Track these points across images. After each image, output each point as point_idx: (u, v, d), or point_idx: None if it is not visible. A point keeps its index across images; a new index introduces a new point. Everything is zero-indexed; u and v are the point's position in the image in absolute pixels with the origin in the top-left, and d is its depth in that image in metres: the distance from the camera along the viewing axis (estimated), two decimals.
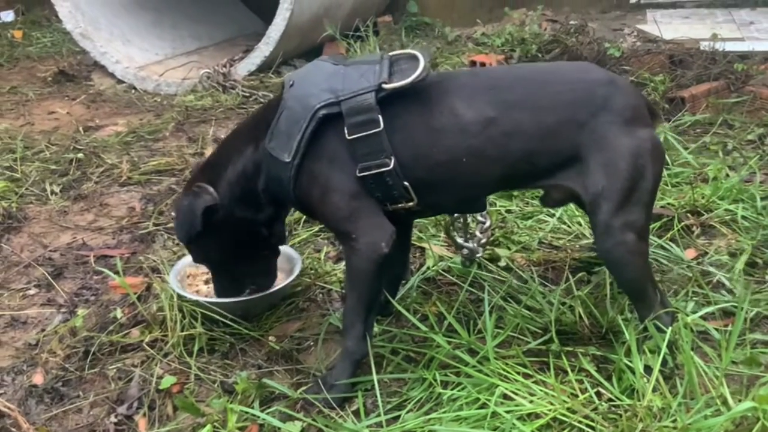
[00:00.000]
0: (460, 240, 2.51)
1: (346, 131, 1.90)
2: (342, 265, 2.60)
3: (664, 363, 1.90)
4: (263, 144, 1.99)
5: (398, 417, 1.91)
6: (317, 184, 1.96)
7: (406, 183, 1.94)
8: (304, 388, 2.06)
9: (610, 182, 1.88)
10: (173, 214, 2.16)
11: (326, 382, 2.02)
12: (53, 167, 3.69)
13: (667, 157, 3.19)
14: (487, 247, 2.57)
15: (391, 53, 2.00)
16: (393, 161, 1.90)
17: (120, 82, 5.24)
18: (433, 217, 2.81)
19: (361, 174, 1.91)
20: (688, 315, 2.09)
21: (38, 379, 2.18)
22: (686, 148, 3.35)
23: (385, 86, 1.90)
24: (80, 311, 2.46)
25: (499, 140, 1.91)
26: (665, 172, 3.11)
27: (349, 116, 1.90)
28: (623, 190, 1.88)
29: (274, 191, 2.04)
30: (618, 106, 1.90)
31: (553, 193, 2.05)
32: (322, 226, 2.88)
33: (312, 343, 2.27)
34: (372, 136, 1.90)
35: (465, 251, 2.50)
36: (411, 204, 1.98)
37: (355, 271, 1.99)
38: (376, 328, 2.22)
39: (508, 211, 2.95)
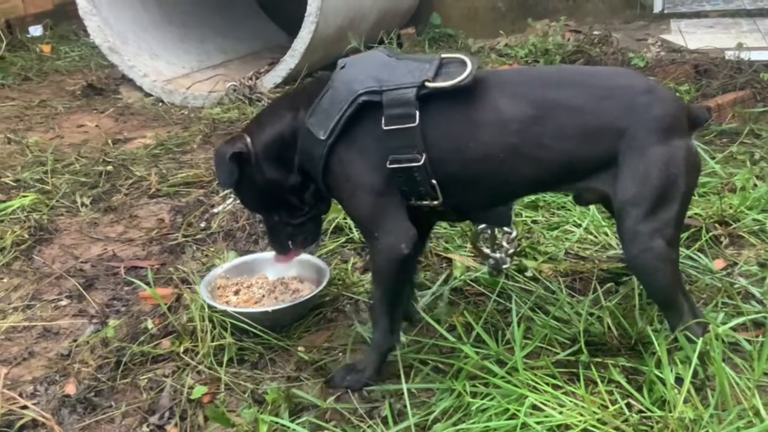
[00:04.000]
0: (486, 250, 2.51)
1: (383, 121, 1.95)
2: (369, 276, 2.62)
3: (695, 374, 1.89)
4: (302, 116, 2.04)
5: (427, 427, 1.91)
6: (347, 174, 2.01)
7: (433, 181, 1.97)
8: (333, 371, 2.14)
9: (641, 189, 1.88)
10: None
11: (353, 369, 2.11)
12: (83, 179, 3.75)
13: None
14: (514, 257, 2.57)
15: (443, 55, 2.03)
16: (424, 158, 1.94)
17: (148, 95, 5.31)
18: (458, 225, 2.82)
19: (391, 166, 1.96)
20: (718, 326, 2.07)
21: (71, 389, 2.20)
22: (713, 158, 3.34)
23: (427, 84, 1.93)
24: (111, 322, 2.49)
25: (538, 139, 1.92)
26: None
27: (388, 107, 1.94)
28: (653, 197, 1.88)
29: (304, 165, 2.09)
30: (656, 114, 1.90)
31: (585, 194, 2.07)
32: (349, 237, 2.91)
33: (340, 354, 2.28)
34: (406, 131, 1.94)
35: (491, 261, 2.51)
36: (435, 203, 2.01)
37: (378, 269, 2.07)
38: (404, 338, 2.24)
39: (534, 222, 2.95)
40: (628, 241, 1.93)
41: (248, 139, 2.13)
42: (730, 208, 2.85)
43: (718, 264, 2.56)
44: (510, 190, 2.07)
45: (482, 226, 2.47)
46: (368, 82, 1.97)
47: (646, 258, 1.91)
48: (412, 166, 1.95)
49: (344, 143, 1.99)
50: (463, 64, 1.96)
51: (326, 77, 2.07)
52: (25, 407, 2.05)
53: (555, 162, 1.93)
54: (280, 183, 2.15)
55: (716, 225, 2.79)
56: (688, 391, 1.80)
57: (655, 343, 1.94)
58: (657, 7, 6.48)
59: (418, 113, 1.93)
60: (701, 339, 1.91)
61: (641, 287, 2.27)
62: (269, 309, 2.35)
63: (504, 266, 2.50)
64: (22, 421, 2.03)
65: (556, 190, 2.37)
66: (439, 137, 1.95)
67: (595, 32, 5.55)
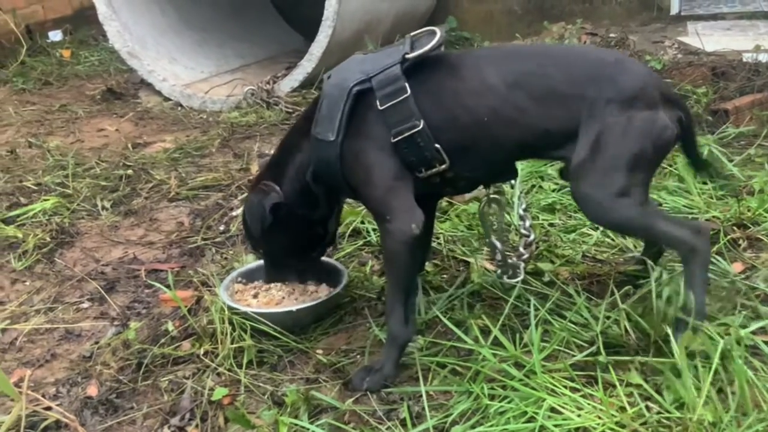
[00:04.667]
0: (498, 256, 2.51)
1: (377, 103, 2.09)
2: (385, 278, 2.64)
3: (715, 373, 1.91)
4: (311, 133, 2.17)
5: (445, 429, 1.92)
6: (359, 162, 2.13)
7: (437, 145, 2.09)
8: (351, 374, 2.16)
9: (592, 155, 2.01)
10: (244, 212, 2.36)
11: (371, 370, 2.14)
12: (104, 183, 3.79)
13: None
14: (530, 261, 2.58)
15: (411, 33, 2.20)
16: (422, 123, 2.07)
17: (167, 99, 5.35)
18: (474, 228, 2.82)
19: (395, 139, 2.08)
20: (738, 329, 2.06)
21: (93, 390, 2.23)
22: (731, 161, 3.32)
23: (407, 56, 2.09)
24: (133, 324, 2.52)
25: (516, 103, 2.06)
26: (710, 184, 3.09)
27: (380, 89, 2.09)
28: (601, 164, 2.01)
29: (323, 176, 2.21)
30: (620, 86, 2.03)
31: (567, 166, 2.17)
32: (367, 240, 2.93)
33: (359, 356, 2.29)
34: (401, 103, 2.07)
35: (502, 264, 2.51)
36: (444, 167, 2.12)
37: (390, 252, 2.16)
38: (421, 341, 2.25)
39: (551, 225, 2.95)
40: (581, 204, 2.12)
41: (276, 187, 2.27)
42: (749, 211, 2.84)
43: (737, 267, 2.55)
44: (503, 153, 2.18)
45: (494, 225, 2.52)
46: (355, 76, 2.11)
47: (600, 211, 2.09)
48: (414, 133, 2.07)
49: (352, 137, 2.12)
50: (432, 33, 2.14)
51: (318, 96, 2.22)
52: (48, 408, 2.07)
53: (533, 125, 2.07)
54: (308, 217, 2.31)
55: (734, 228, 2.78)
56: (708, 394, 1.81)
57: (674, 345, 1.95)
58: (674, 10, 6.45)
59: (407, 85, 2.07)
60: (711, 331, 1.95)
61: (659, 289, 2.28)
62: (293, 309, 2.38)
63: (518, 271, 2.49)
64: (45, 423, 2.06)
65: (543, 157, 2.44)
66: (431, 105, 2.09)
67: (612, 35, 5.54)
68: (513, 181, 2.71)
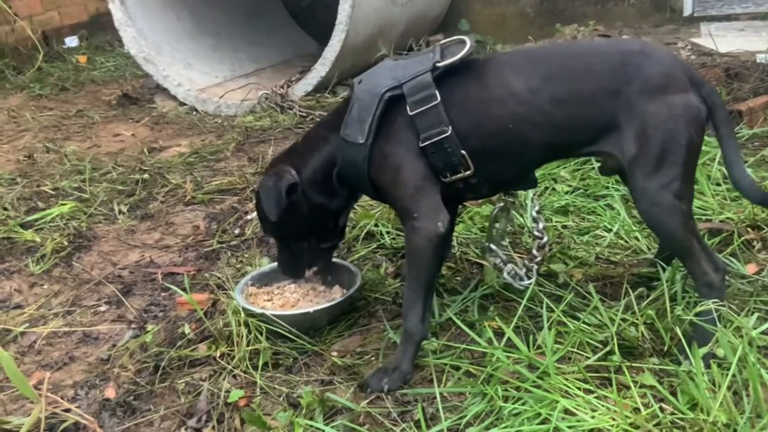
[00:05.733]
0: (498, 260, 2.52)
1: (408, 109, 2.14)
2: (399, 281, 2.66)
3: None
4: (337, 137, 2.23)
5: (459, 431, 1.94)
6: (388, 163, 2.18)
7: (463, 152, 2.14)
8: (366, 377, 2.18)
9: (641, 148, 2.04)
10: (258, 193, 2.36)
11: (388, 370, 2.15)
12: (120, 188, 3.83)
13: (724, 170, 3.17)
14: (543, 263, 2.58)
15: (441, 42, 2.26)
16: (450, 129, 2.12)
17: (182, 104, 5.39)
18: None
19: (424, 144, 2.14)
20: (751, 330, 2.06)
21: (110, 393, 2.26)
22: (745, 162, 3.31)
23: (438, 65, 2.14)
24: (150, 327, 2.55)
25: (541, 107, 2.10)
26: (724, 186, 3.09)
27: (410, 95, 2.14)
28: (654, 155, 2.03)
29: (347, 176, 2.27)
30: (648, 73, 2.05)
31: (606, 160, 2.22)
32: (380, 243, 2.94)
33: (373, 358, 2.31)
34: (431, 109, 2.13)
35: (510, 269, 2.51)
36: (468, 173, 2.18)
37: (415, 249, 2.18)
38: (436, 343, 2.27)
39: (565, 227, 2.96)
40: (638, 198, 2.11)
41: (292, 171, 2.30)
42: (763, 212, 2.83)
43: (751, 269, 2.55)
44: (528, 158, 2.23)
45: (496, 225, 2.55)
46: (387, 82, 2.17)
47: (655, 212, 2.07)
48: (442, 138, 2.12)
49: (382, 140, 2.17)
50: (462, 42, 2.20)
51: (348, 97, 2.27)
52: (68, 410, 2.10)
53: (559, 127, 2.11)
54: (323, 207, 2.35)
55: (748, 229, 2.78)
56: (723, 396, 1.81)
57: (687, 348, 1.95)
58: (687, 11, 6.43)
59: (437, 92, 2.13)
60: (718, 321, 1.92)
61: (673, 291, 2.28)
62: (310, 310, 2.41)
63: (528, 280, 2.50)
64: (65, 424, 2.08)
65: (573, 155, 2.49)
66: (459, 112, 2.14)
67: (625, 36, 5.53)
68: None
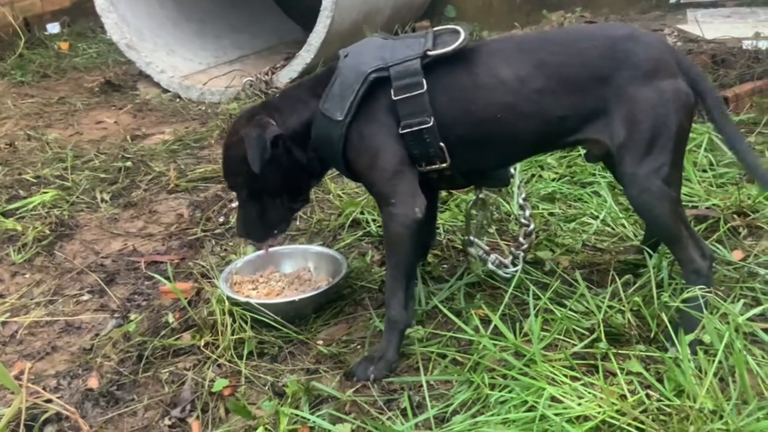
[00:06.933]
0: (480, 252, 2.52)
1: (392, 93, 2.10)
2: (385, 269, 2.63)
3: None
4: (316, 104, 2.17)
5: (446, 419, 1.93)
6: (366, 145, 2.14)
7: (441, 144, 2.11)
8: (352, 365, 2.16)
9: (631, 134, 2.02)
10: (230, 146, 2.29)
11: (374, 359, 2.14)
12: (103, 175, 3.78)
13: (711, 156, 3.19)
14: (530, 251, 2.58)
15: (434, 29, 2.20)
16: (432, 120, 2.09)
17: (165, 91, 5.33)
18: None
19: (403, 132, 2.10)
20: (737, 316, 2.06)
21: (93, 382, 2.24)
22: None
23: (429, 53, 2.10)
24: (133, 316, 2.52)
25: (531, 96, 2.07)
26: (710, 172, 3.09)
27: (396, 79, 2.10)
28: (644, 140, 2.02)
29: (321, 149, 2.22)
30: (639, 59, 2.04)
31: (592, 148, 2.19)
32: (366, 231, 2.92)
33: (359, 346, 2.30)
34: (415, 98, 2.09)
35: (493, 259, 2.51)
36: (444, 165, 2.15)
37: (393, 236, 2.15)
38: (422, 331, 2.25)
39: (551, 214, 2.95)
40: (627, 185, 2.09)
41: (272, 122, 2.21)
42: (749, 198, 2.84)
43: (737, 255, 2.55)
44: (513, 149, 2.22)
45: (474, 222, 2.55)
46: (374, 62, 2.12)
47: (645, 198, 2.06)
48: (423, 129, 2.09)
49: (362, 119, 2.12)
50: (455, 32, 2.14)
51: (332, 67, 2.21)
52: (49, 401, 2.07)
53: (548, 116, 2.10)
54: (301, 165, 2.28)
55: (734, 216, 2.78)
56: (709, 382, 1.80)
57: (673, 335, 1.95)
58: None
59: (424, 81, 2.08)
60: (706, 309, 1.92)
61: (659, 278, 2.28)
62: (295, 298, 2.39)
63: (514, 268, 2.50)
64: (46, 415, 2.06)
65: (560, 147, 2.42)
66: (445, 103, 2.11)
67: (611, 23, 5.52)
68: (513, 171, 2.71)
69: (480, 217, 2.57)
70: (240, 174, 2.26)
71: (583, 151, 2.55)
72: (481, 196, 2.55)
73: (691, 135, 3.17)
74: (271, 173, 2.22)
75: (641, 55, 2.04)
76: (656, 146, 2.02)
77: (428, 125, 2.09)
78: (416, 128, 2.10)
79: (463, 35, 2.11)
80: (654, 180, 2.02)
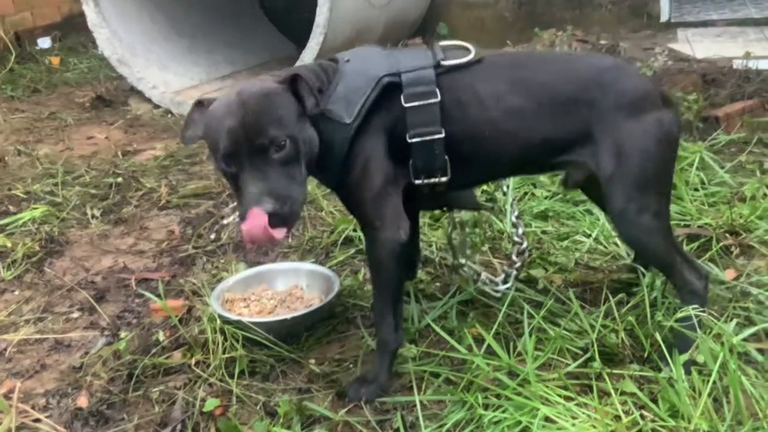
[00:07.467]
0: (470, 271, 2.52)
1: (402, 99, 2.04)
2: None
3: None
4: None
5: None
6: (366, 157, 2.05)
7: (446, 157, 2.08)
8: (344, 386, 2.15)
9: (619, 167, 2.02)
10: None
11: (366, 380, 2.12)
12: (93, 191, 3.76)
13: (702, 175, 3.20)
14: (523, 269, 2.57)
15: (440, 43, 2.18)
16: (443, 132, 2.06)
17: (157, 106, 5.32)
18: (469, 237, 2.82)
19: (413, 140, 2.05)
20: (731, 336, 2.05)
21: (83, 401, 2.21)
22: (722, 167, 3.33)
23: (443, 63, 2.08)
24: (123, 334, 2.50)
25: (515, 113, 2.06)
26: (702, 191, 3.10)
27: (409, 86, 2.05)
28: (633, 175, 2.02)
29: (311, 153, 1.99)
30: (624, 88, 2.05)
31: (573, 172, 2.18)
32: (359, 248, 2.91)
33: (351, 365, 2.28)
34: (427, 107, 2.05)
35: (484, 279, 2.51)
36: (443, 179, 2.12)
37: (379, 260, 2.11)
38: (415, 350, 2.24)
39: (544, 232, 2.95)
40: (617, 221, 2.10)
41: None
42: (740, 217, 2.84)
43: (729, 274, 2.55)
44: (502, 166, 2.20)
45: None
46: (384, 69, 2.06)
47: (635, 233, 2.08)
48: (434, 139, 2.05)
49: (368, 124, 2.04)
50: (464, 48, 2.13)
51: (330, 68, 2.11)
52: (38, 420, 2.05)
53: (533, 135, 2.07)
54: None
55: (726, 235, 2.78)
56: (704, 403, 1.80)
57: (667, 355, 1.94)
58: (664, 17, 6.46)
59: (438, 90, 2.05)
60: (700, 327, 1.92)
61: (653, 297, 2.28)
62: (288, 317, 2.36)
63: (505, 285, 2.50)
64: None
65: (544, 169, 2.42)
66: (451, 115, 2.07)
67: (603, 42, 5.55)
68: (505, 188, 2.71)
69: (460, 238, 2.57)
70: (285, 126, 1.91)
71: (559, 177, 2.50)
72: (456, 219, 2.55)
73: (681, 153, 3.21)
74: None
75: (626, 85, 2.05)
76: (645, 181, 2.02)
77: (440, 136, 2.05)
78: (428, 138, 2.05)
79: (473, 51, 2.10)
80: (644, 216, 2.03)
